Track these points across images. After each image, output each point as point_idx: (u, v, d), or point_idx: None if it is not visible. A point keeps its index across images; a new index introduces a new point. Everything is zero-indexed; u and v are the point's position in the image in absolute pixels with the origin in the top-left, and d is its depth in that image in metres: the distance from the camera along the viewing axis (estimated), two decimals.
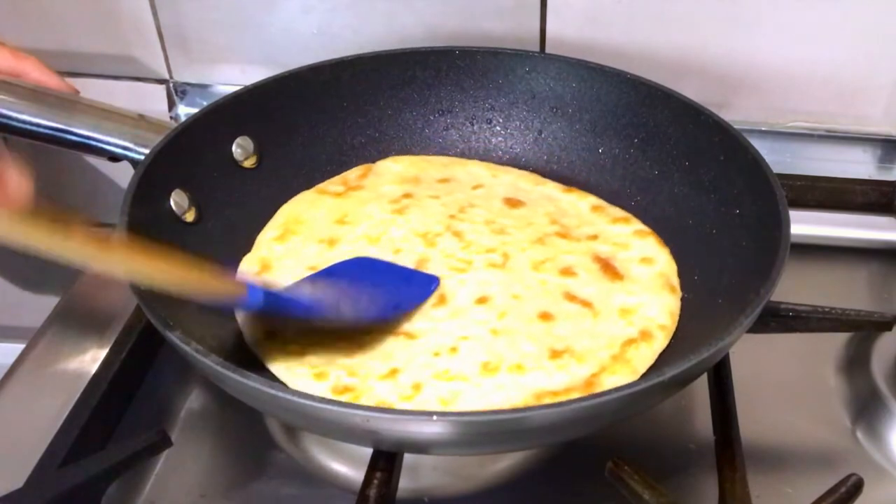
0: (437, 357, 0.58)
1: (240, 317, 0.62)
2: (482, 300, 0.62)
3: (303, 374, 0.57)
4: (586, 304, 0.62)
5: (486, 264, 0.65)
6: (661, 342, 0.60)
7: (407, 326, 0.60)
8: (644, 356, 0.59)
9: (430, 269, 0.65)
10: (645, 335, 0.60)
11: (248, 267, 0.65)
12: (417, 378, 0.56)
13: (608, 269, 0.65)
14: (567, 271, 0.65)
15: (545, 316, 0.61)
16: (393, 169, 0.74)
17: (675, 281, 0.65)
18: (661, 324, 0.61)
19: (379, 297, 0.62)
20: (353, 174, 0.74)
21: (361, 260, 0.66)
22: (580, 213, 0.71)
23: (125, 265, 0.49)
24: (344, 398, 0.55)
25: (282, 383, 0.57)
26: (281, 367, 0.58)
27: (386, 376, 0.57)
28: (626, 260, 0.66)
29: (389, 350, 0.58)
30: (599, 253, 0.67)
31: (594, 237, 0.68)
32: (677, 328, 0.61)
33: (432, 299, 0.62)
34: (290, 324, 0.60)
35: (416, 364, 0.57)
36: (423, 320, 0.61)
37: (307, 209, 0.71)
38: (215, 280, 0.53)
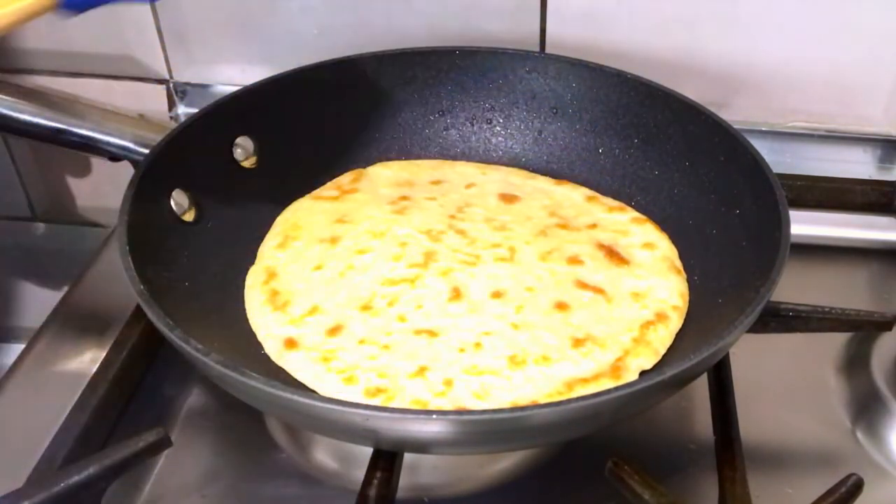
0: (463, 353, 0.58)
1: (259, 332, 0.62)
2: (497, 294, 0.62)
3: (332, 381, 0.57)
4: (598, 290, 0.63)
5: (494, 258, 0.65)
6: (676, 323, 0.61)
7: (426, 324, 0.60)
8: (663, 337, 0.60)
9: (438, 263, 0.65)
10: (661, 317, 0.61)
11: (254, 278, 0.65)
12: (447, 374, 0.57)
13: (613, 255, 0.66)
14: (574, 260, 0.65)
15: (561, 306, 0.62)
16: (384, 173, 0.75)
17: (679, 263, 0.66)
18: (674, 305, 0.62)
19: None
20: (345, 179, 0.74)
21: None
22: (576, 204, 0.71)
23: None
24: (377, 400, 0.55)
25: (312, 391, 0.57)
26: (308, 376, 0.58)
27: (416, 374, 0.57)
28: (629, 245, 0.67)
29: (413, 349, 0.59)
30: (602, 240, 0.67)
31: (593, 226, 0.69)
32: (688, 309, 0.62)
33: (447, 294, 0.63)
34: (311, 330, 0.60)
35: (443, 361, 0.58)
36: (442, 317, 0.61)
37: (305, 215, 0.71)
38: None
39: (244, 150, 0.70)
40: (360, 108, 0.76)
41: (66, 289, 0.77)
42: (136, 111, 0.68)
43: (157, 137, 0.65)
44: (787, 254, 0.55)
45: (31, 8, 0.51)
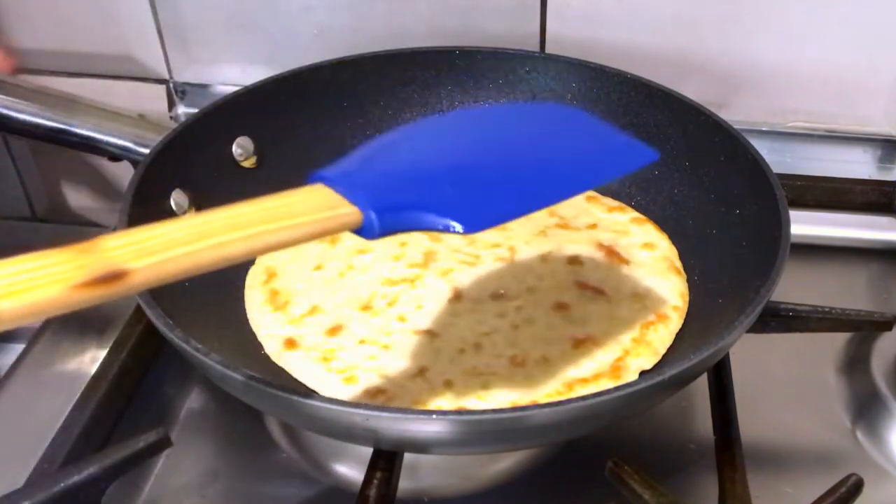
0: (463, 354, 0.58)
1: (259, 332, 0.62)
2: (497, 295, 0.63)
3: (332, 381, 0.57)
4: (598, 290, 0.63)
5: (494, 259, 0.65)
6: (675, 323, 0.61)
7: (426, 324, 0.60)
8: (662, 337, 0.60)
9: (438, 263, 0.65)
10: (661, 317, 0.61)
11: (254, 278, 0.65)
12: (448, 375, 0.57)
13: (613, 255, 0.66)
14: (574, 260, 0.66)
15: (561, 306, 0.62)
16: None
17: (679, 263, 0.66)
18: (674, 305, 0.62)
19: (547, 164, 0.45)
20: None
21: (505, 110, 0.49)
22: (575, 204, 0.71)
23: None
24: (378, 400, 0.55)
25: (311, 391, 0.57)
26: (308, 376, 0.58)
27: (416, 375, 0.57)
28: (629, 246, 0.67)
29: (413, 349, 0.59)
30: (602, 240, 0.67)
31: (593, 226, 0.69)
32: (688, 309, 0.62)
33: (448, 294, 0.62)
34: (311, 330, 0.60)
35: (443, 361, 0.58)
36: (442, 317, 0.61)
37: None
38: (313, 221, 0.41)
39: (244, 150, 0.70)
40: (360, 108, 0.75)
41: None
42: (136, 111, 0.68)
43: (157, 137, 0.65)
44: (787, 254, 0.55)
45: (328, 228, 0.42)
